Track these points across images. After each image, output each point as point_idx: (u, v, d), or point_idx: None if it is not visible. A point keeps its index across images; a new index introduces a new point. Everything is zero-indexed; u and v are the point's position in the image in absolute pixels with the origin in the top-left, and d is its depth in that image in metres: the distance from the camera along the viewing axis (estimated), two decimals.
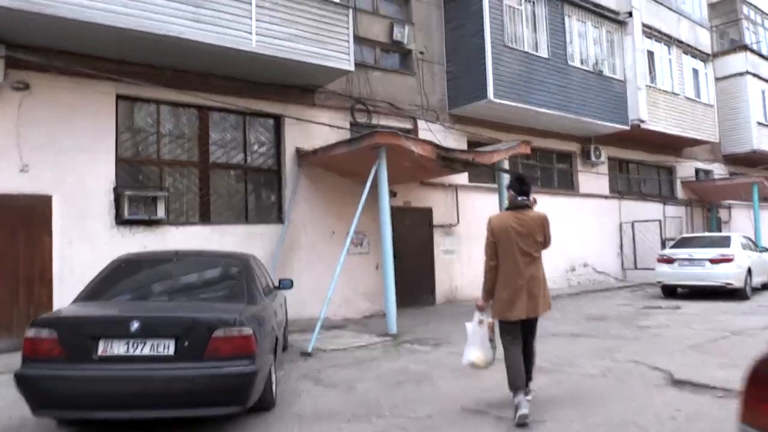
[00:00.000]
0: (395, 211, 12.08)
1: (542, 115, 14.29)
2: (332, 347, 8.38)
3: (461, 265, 13.66)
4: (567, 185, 17.15)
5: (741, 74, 22.29)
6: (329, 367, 7.07)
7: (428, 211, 13.14)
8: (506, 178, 12.02)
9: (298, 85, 11.01)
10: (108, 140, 9.25)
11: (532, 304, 4.88)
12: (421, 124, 12.95)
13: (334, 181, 11.57)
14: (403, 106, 12.84)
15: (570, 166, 17.28)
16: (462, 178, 13.82)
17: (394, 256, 10.74)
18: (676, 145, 20.09)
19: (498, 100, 12.87)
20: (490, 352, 4.95)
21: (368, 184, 9.23)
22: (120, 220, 9.15)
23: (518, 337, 4.94)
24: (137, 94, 9.53)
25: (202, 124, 10.38)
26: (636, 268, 18.02)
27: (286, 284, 7.43)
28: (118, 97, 9.44)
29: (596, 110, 15.57)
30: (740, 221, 23.03)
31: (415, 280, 12.60)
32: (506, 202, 5.37)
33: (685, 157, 21.24)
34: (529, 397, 4.88)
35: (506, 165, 12.36)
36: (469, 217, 13.81)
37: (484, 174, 14.57)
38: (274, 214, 11.11)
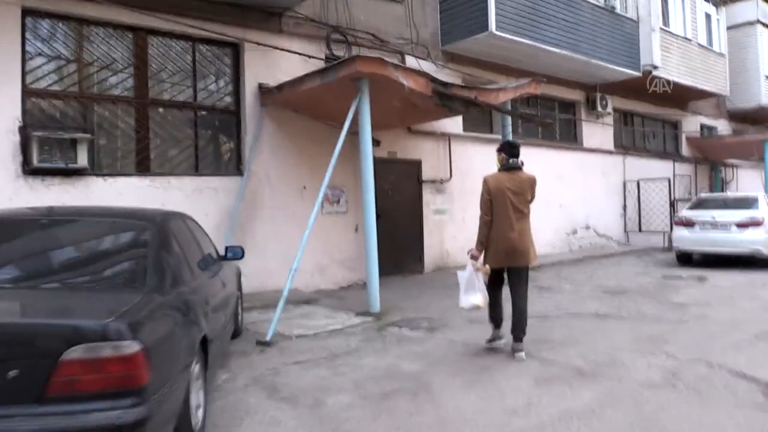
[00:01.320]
0: (378, 163, 10.18)
1: (549, 55, 12.34)
2: (299, 332, 6.59)
3: (453, 226, 11.88)
4: (569, 138, 15.34)
5: (751, 23, 20.45)
6: (292, 364, 5.27)
7: (417, 164, 11.27)
8: (509, 126, 10.20)
9: (262, 5, 8.92)
10: (12, 67, 7.15)
11: (522, 255, 5.42)
12: (409, 60, 10.91)
13: (305, 125, 9.60)
14: (389, 39, 10.81)
15: (573, 116, 15.46)
16: (456, 125, 11.94)
17: (377, 216, 9.02)
18: (683, 98, 18.30)
19: (501, 34, 10.88)
20: (486, 294, 5.50)
21: (346, 126, 7.31)
22: (29, 169, 7.14)
23: (503, 282, 5.67)
24: (52, 8, 7.42)
25: (140, 50, 8.28)
26: (640, 231, 16.44)
27: (235, 254, 5.60)
28: (25, 11, 7.31)
29: (607, 52, 13.66)
30: (744, 181, 21.57)
31: (400, 244, 10.80)
32: (497, 163, 5.76)
33: (690, 112, 19.53)
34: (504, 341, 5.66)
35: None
36: (463, 171, 11.97)
37: (480, 122, 12.73)
38: (232, 164, 9.15)
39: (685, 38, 16.65)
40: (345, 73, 7.15)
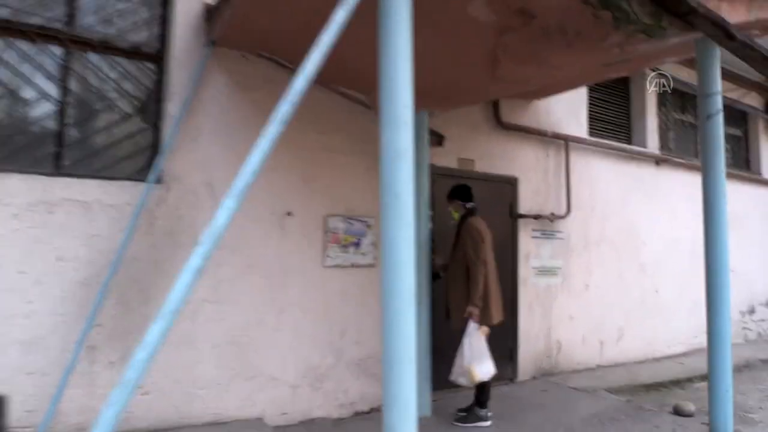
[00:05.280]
0: (439, 178, 5.57)
1: None
2: None
3: (570, 297, 6.85)
4: (739, 164, 10.09)
5: None
6: None
7: (509, 185, 6.39)
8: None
9: None
10: None
11: (501, 309, 4.93)
12: None
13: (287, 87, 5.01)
14: None
15: (744, 132, 10.25)
16: (576, 124, 7.06)
17: (434, 277, 4.63)
18: None
19: None
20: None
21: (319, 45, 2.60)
22: None
23: None
24: None
25: None
26: None
27: None
28: None
29: None
30: None
31: None
32: (453, 212, 5.07)
33: None
34: None
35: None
36: (587, 201, 7.04)
37: (611, 124, 7.82)
38: (138, 158, 4.55)
39: None
40: None
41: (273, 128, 2.33)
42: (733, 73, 8.80)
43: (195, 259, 2.13)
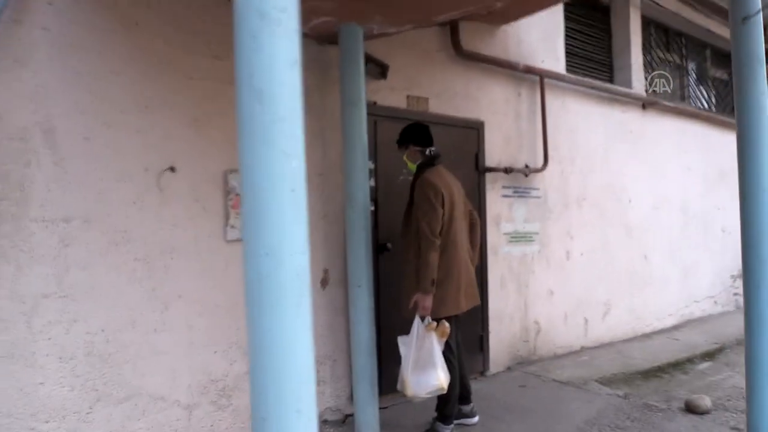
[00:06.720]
0: (382, 121, 4.28)
1: None
2: None
3: (549, 268, 5.69)
4: (729, 110, 9.08)
5: None
6: None
7: (473, 131, 5.11)
8: None
9: None
10: None
11: (476, 289, 3.77)
12: None
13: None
14: None
15: (730, 74, 9.20)
16: (553, 59, 5.83)
17: (381, 249, 3.24)
18: None
19: None
20: (446, 367, 3.42)
21: None
22: None
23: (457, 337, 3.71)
24: None
25: None
26: None
27: None
28: None
29: None
30: None
31: None
32: (408, 163, 3.73)
33: None
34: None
35: None
36: (566, 151, 5.86)
37: (590, 61, 6.65)
38: None
39: None
40: None
41: None
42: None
43: None
